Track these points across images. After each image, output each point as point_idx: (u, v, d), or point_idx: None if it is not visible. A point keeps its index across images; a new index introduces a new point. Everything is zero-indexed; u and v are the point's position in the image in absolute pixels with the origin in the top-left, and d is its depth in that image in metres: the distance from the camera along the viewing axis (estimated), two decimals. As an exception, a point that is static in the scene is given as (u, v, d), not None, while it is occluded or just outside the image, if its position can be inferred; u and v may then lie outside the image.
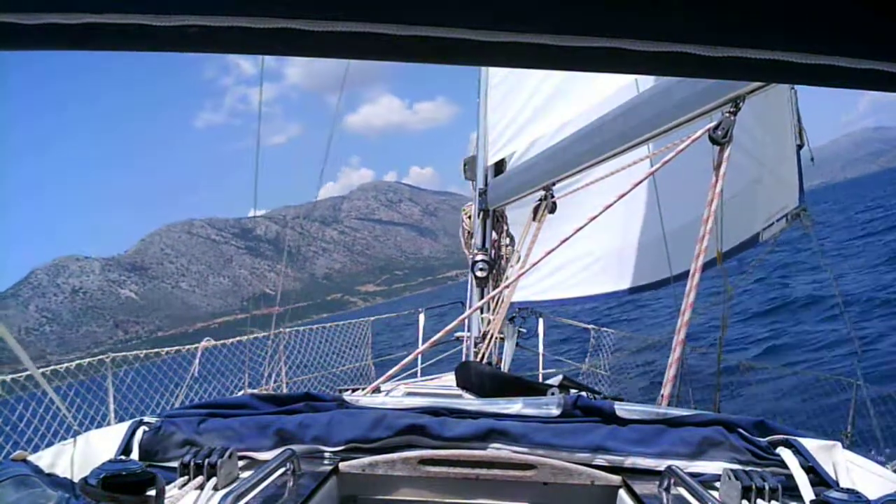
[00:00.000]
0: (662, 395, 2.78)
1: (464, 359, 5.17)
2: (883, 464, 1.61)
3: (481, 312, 5.16)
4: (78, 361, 5.35)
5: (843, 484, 1.53)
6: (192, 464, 1.57)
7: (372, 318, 8.39)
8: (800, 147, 5.35)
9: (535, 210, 4.67)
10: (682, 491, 1.53)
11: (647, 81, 3.90)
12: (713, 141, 2.77)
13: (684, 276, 3.42)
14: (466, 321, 4.94)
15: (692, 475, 1.59)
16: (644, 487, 1.67)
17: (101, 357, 5.59)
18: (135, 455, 1.73)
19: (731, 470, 1.52)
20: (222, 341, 6.67)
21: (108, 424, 4.01)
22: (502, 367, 5.55)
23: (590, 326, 8.40)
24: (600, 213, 3.32)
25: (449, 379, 4.68)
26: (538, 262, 3.96)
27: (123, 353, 5.84)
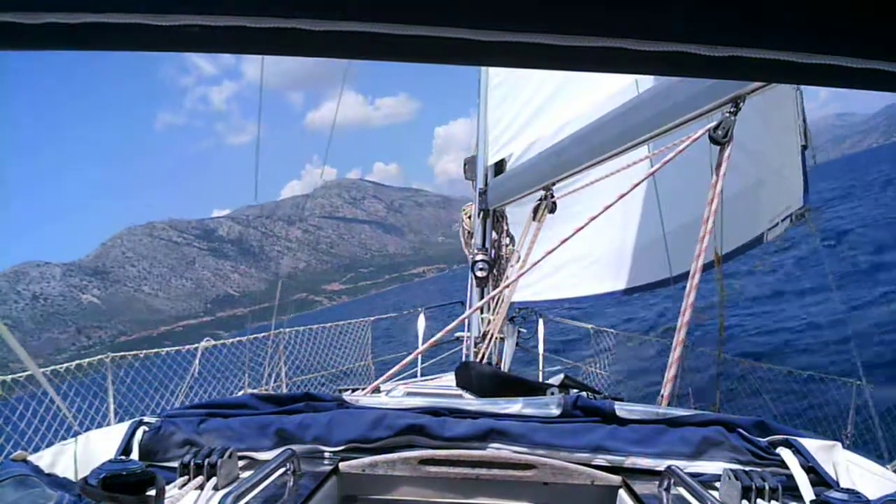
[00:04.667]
0: (662, 395, 2.77)
1: (464, 359, 5.17)
2: (883, 464, 1.61)
3: (481, 312, 5.16)
4: (77, 362, 5.35)
5: (844, 484, 1.53)
6: (192, 464, 1.57)
7: (372, 318, 8.40)
8: (804, 147, 5.35)
9: (536, 210, 4.67)
10: (682, 491, 1.53)
11: (647, 81, 3.89)
12: (713, 141, 2.77)
13: (684, 276, 3.42)
14: (466, 321, 4.94)
15: (692, 475, 1.59)
16: (644, 487, 1.67)
17: (101, 357, 5.59)
18: (135, 455, 1.73)
19: (731, 470, 1.52)
20: (222, 341, 6.67)
21: (108, 424, 4.01)
22: (502, 367, 5.55)
23: (590, 326, 8.40)
24: (600, 213, 3.32)
25: (449, 379, 4.68)
26: (538, 262, 3.96)
27: (122, 353, 5.85)
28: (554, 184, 4.48)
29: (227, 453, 1.61)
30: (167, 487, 1.32)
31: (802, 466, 1.59)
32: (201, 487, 1.52)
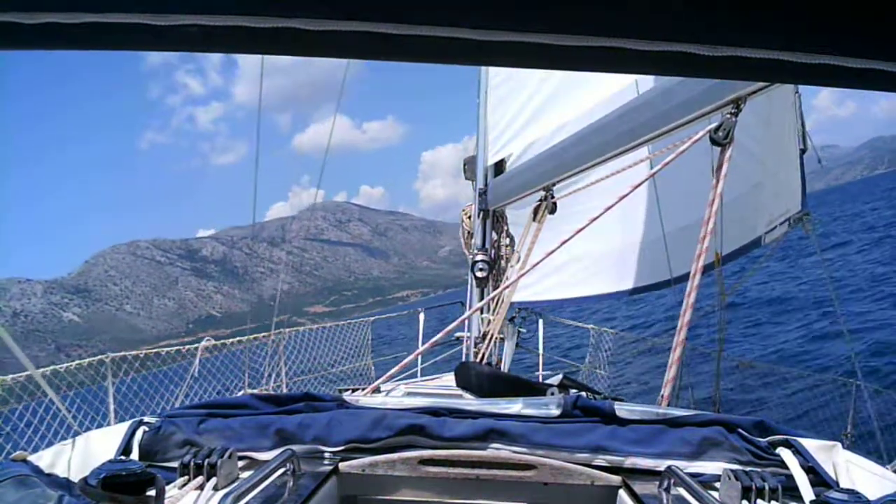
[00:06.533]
0: (662, 395, 2.77)
1: (464, 359, 5.17)
2: (883, 464, 1.61)
3: (481, 313, 5.16)
4: (78, 362, 5.36)
5: (843, 484, 1.53)
6: (192, 464, 1.57)
7: (372, 319, 8.40)
8: (803, 152, 5.36)
9: (536, 210, 4.67)
10: (682, 491, 1.53)
11: (647, 82, 3.89)
12: (714, 142, 2.76)
13: (684, 278, 3.42)
14: (466, 321, 4.94)
15: (692, 475, 1.59)
16: (644, 488, 1.67)
17: (101, 357, 5.59)
18: (135, 455, 1.73)
19: (731, 470, 1.52)
20: (222, 341, 6.68)
21: (108, 424, 4.01)
22: (502, 367, 5.55)
23: (590, 326, 8.40)
24: (601, 214, 3.32)
25: (449, 379, 4.68)
26: (538, 262, 3.96)
27: (122, 353, 5.85)
28: (554, 184, 4.48)
29: (227, 453, 1.61)
30: (167, 487, 1.32)
31: (802, 467, 1.59)
32: (201, 487, 1.52)
